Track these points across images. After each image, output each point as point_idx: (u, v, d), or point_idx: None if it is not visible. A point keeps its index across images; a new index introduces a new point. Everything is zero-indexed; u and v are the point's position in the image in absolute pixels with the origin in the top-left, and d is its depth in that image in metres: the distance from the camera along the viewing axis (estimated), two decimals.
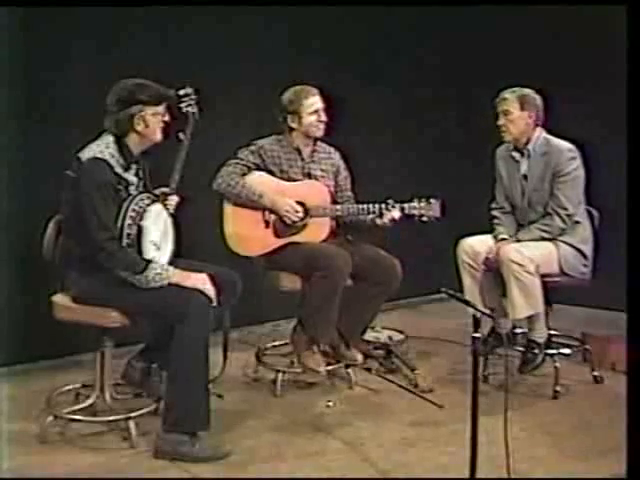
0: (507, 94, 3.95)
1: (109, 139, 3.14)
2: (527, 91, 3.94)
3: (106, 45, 4.10)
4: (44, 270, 3.31)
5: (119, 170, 3.12)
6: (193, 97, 3.55)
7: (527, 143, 3.97)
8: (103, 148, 3.11)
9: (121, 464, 3.07)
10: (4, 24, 3.74)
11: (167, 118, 3.22)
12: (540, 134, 3.96)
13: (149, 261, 3.08)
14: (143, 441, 3.21)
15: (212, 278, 3.19)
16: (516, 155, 4.02)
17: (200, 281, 3.15)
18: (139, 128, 3.14)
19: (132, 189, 3.18)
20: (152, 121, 3.15)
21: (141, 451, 3.16)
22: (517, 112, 3.91)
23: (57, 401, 3.46)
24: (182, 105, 3.51)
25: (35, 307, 3.64)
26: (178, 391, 3.09)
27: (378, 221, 3.77)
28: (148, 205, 3.14)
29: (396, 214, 3.75)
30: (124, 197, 3.10)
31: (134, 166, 3.21)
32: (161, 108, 3.18)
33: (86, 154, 3.10)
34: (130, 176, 3.18)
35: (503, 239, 3.93)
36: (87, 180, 3.05)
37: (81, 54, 4.03)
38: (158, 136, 3.20)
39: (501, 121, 3.95)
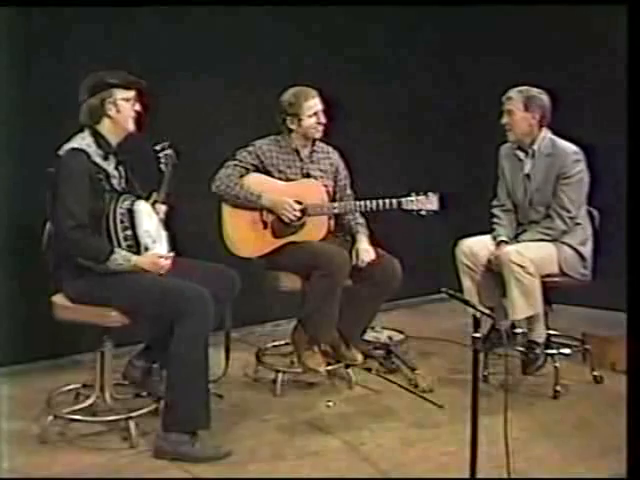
0: (513, 93, 3.91)
1: (85, 133, 3.21)
2: (534, 91, 3.90)
3: (106, 45, 4.10)
4: (44, 270, 3.31)
5: (98, 160, 3.18)
6: (169, 154, 3.51)
7: (532, 143, 3.94)
8: (80, 140, 3.18)
9: (121, 464, 3.07)
10: (4, 24, 3.74)
11: (138, 107, 3.26)
12: (546, 134, 3.94)
13: (112, 251, 3.09)
14: (143, 441, 3.21)
15: (211, 275, 3.23)
16: (520, 154, 4.00)
17: (157, 266, 3.16)
18: (111, 113, 3.20)
19: (115, 183, 3.22)
20: (124, 106, 3.21)
21: (141, 451, 3.16)
22: (521, 113, 3.88)
23: (57, 401, 3.46)
24: (160, 155, 3.50)
25: (35, 307, 3.64)
26: (178, 390, 3.09)
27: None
28: (135, 201, 3.18)
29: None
30: (107, 188, 3.16)
31: (113, 158, 3.25)
32: (131, 93, 3.23)
33: (65, 148, 3.17)
34: (110, 168, 3.23)
35: (502, 241, 3.92)
36: (62, 170, 3.12)
37: (81, 54, 4.02)
38: (130, 124, 3.25)
39: (505, 120, 3.93)
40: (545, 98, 3.92)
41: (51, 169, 3.15)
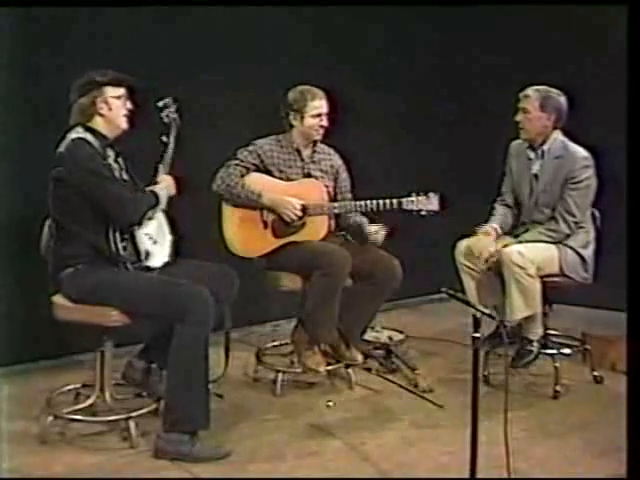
0: (530, 92, 3.88)
1: (79, 129, 3.20)
2: (552, 92, 3.87)
3: (106, 45, 4.10)
4: (44, 270, 3.31)
5: (98, 147, 3.18)
6: (172, 106, 3.55)
7: (543, 143, 3.92)
8: (76, 133, 3.18)
9: (121, 464, 3.07)
10: (4, 24, 3.74)
11: (130, 106, 3.27)
12: (557, 136, 3.91)
13: (151, 191, 3.28)
14: (143, 441, 3.21)
15: (211, 275, 3.26)
16: (530, 153, 3.98)
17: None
18: (103, 111, 3.20)
19: (117, 175, 3.23)
20: (115, 104, 3.21)
21: (141, 451, 3.17)
22: (536, 112, 3.85)
23: (57, 401, 3.46)
24: (163, 115, 3.53)
25: (35, 307, 3.64)
26: (178, 390, 3.09)
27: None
28: None
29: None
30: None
31: (110, 151, 3.25)
32: (122, 90, 3.24)
33: (64, 144, 3.16)
34: (110, 160, 3.24)
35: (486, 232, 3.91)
36: (73, 159, 3.11)
37: (81, 55, 4.02)
38: (123, 122, 3.25)
39: (519, 117, 3.90)
40: (562, 100, 3.89)
41: (60, 168, 3.13)
